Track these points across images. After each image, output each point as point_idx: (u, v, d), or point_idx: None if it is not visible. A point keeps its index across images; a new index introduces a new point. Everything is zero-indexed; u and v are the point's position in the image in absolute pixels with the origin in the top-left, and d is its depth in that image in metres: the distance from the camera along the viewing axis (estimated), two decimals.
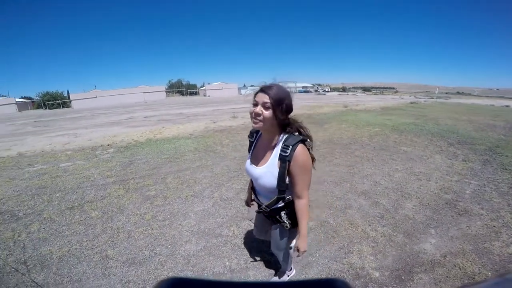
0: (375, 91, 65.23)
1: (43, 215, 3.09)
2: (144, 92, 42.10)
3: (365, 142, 6.00)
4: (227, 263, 2.18)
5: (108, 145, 6.70)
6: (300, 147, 1.21)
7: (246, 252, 2.30)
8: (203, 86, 61.45)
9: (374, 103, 18.97)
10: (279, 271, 1.99)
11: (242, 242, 2.43)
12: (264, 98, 1.17)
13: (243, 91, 56.89)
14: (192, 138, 7.05)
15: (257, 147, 1.42)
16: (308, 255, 2.21)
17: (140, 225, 2.77)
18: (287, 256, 1.75)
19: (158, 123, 10.88)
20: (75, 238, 2.60)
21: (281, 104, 1.17)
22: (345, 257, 2.20)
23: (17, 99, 41.39)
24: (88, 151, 6.21)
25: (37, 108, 39.80)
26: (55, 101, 38.48)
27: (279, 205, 1.40)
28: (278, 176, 1.25)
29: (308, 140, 1.28)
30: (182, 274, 2.05)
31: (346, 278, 2.01)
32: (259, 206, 1.54)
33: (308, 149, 1.27)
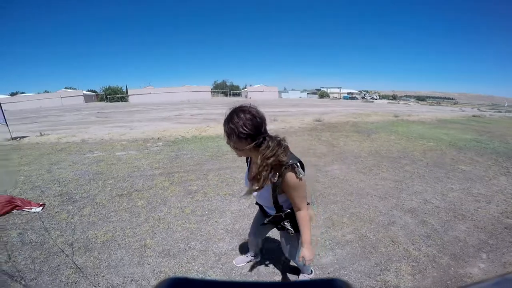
0: (430, 101, 59.53)
1: (95, 200, 3.44)
2: (191, 91, 44.62)
3: (417, 157, 5.53)
4: (258, 266, 2.19)
5: (158, 139, 7.27)
6: (288, 174, 1.21)
7: (276, 256, 2.29)
8: (245, 88, 62.85)
9: (429, 114, 17.35)
10: (300, 274, 2.01)
11: (275, 246, 2.43)
12: (225, 134, 1.19)
13: (283, 95, 56.89)
14: None
15: (251, 168, 1.42)
16: (340, 268, 2.14)
17: (180, 218, 2.92)
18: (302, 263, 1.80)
19: (203, 121, 11.44)
20: (120, 225, 2.83)
21: (231, 137, 1.15)
22: (380, 274, 2.08)
23: (84, 92, 47.22)
24: (140, 142, 6.82)
25: (100, 100, 44.89)
26: (115, 95, 42.99)
27: (272, 213, 1.48)
28: (272, 199, 1.34)
29: (297, 163, 1.23)
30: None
31: None
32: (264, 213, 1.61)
33: (298, 169, 1.23)
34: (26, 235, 2.64)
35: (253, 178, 1.30)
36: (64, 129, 10.64)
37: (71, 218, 2.98)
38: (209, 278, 1.98)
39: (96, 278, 2.04)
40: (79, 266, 2.18)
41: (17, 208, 3.20)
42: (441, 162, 5.18)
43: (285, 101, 36.18)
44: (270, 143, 1.21)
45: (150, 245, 2.45)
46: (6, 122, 8.30)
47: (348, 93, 56.51)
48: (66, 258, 2.28)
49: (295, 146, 6.05)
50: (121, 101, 41.67)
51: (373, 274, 2.09)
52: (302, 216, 1.34)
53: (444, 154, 5.88)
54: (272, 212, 1.48)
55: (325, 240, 2.51)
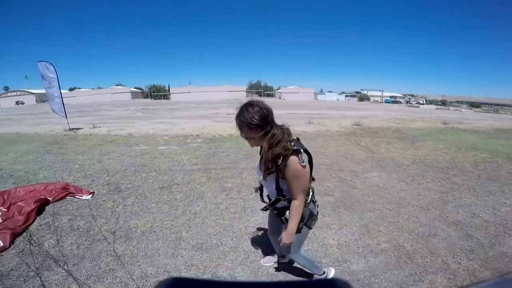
0: (486, 108, 53.34)
1: (139, 191, 3.69)
2: (227, 91, 45.82)
3: (468, 168, 5.00)
4: (287, 267, 2.17)
5: (197, 136, 7.59)
6: (291, 158, 1.30)
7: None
8: (279, 89, 62.63)
9: (484, 123, 15.54)
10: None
11: (304, 249, 2.37)
12: (237, 127, 1.37)
13: (319, 97, 55.40)
14: None
15: (262, 156, 1.50)
16: (371, 276, 2.05)
17: (214, 214, 3.01)
18: (302, 259, 1.82)
19: None
20: (159, 216, 2.98)
21: (242, 128, 1.34)
22: (412, 285, 1.98)
23: (132, 89, 51.21)
24: (181, 138, 7.18)
25: (145, 97, 48.28)
26: (158, 93, 45.93)
27: (282, 205, 1.54)
28: (275, 186, 1.42)
29: (301, 150, 1.33)
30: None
31: None
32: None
33: (301, 156, 1.31)
34: (75, 221, 2.91)
35: (263, 165, 1.43)
36: (113, 122, 11.65)
37: (116, 207, 3.22)
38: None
39: (132, 267, 2.16)
40: (118, 254, 2.32)
41: (70, 194, 3.55)
42: (496, 175, 4.62)
43: (321, 103, 35.27)
44: (275, 130, 1.33)
45: (185, 238, 2.56)
46: (66, 115, 9.33)
47: (391, 97, 53.10)
48: (108, 245, 2.45)
49: (332, 151, 5.86)
50: (164, 98, 44.45)
51: (405, 285, 1.99)
52: (296, 205, 1.41)
53: (499, 167, 5.23)
54: (274, 196, 1.54)
55: (358, 247, 2.42)
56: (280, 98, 50.57)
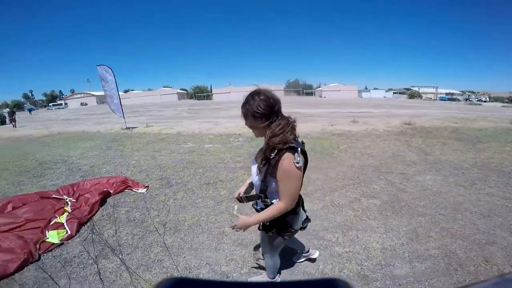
0: None
1: (187, 186, 3.94)
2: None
3: None
4: (320, 266, 2.15)
5: (239, 134, 7.83)
6: (286, 155, 1.21)
7: (342, 261, 2.21)
8: (319, 87, 60.86)
9: None
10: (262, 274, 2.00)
11: (343, 251, 2.32)
12: (242, 116, 1.29)
13: (364, 94, 52.37)
14: (308, 138, 7.17)
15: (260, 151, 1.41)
16: (415, 281, 1.94)
17: (254, 211, 3.08)
18: (269, 261, 1.74)
19: None
20: (205, 211, 3.15)
21: (247, 116, 1.25)
22: None
23: (178, 90, 54.68)
24: (224, 137, 7.48)
25: (190, 98, 51.18)
26: (202, 93, 48.26)
27: (259, 207, 1.46)
28: (261, 182, 1.32)
29: (299, 149, 1.24)
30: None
31: None
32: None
33: (297, 154, 1.22)
34: (132, 212, 3.21)
35: (261, 156, 1.33)
36: (164, 122, 12.62)
37: (167, 201, 3.49)
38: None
39: (178, 258, 2.32)
40: (167, 246, 2.50)
41: (128, 188, 3.95)
42: None
43: (366, 101, 33.35)
44: (280, 121, 1.24)
45: (227, 233, 2.66)
46: (123, 115, 10.38)
47: (447, 94, 47.67)
48: (159, 237, 2.65)
49: (379, 151, 5.54)
50: (206, 99, 46.62)
51: None
52: (278, 205, 1.30)
53: None
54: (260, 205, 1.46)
55: (404, 252, 2.28)
56: (320, 96, 49.21)
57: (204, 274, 2.12)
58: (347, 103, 24.88)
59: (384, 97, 49.49)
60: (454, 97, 45.05)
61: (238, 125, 9.80)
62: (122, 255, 2.39)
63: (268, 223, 1.44)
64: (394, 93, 54.85)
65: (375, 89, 59.76)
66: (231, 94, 43.45)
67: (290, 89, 60.08)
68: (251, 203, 1.55)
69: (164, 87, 62.52)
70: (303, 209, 1.60)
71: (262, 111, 1.22)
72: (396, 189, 3.60)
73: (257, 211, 1.51)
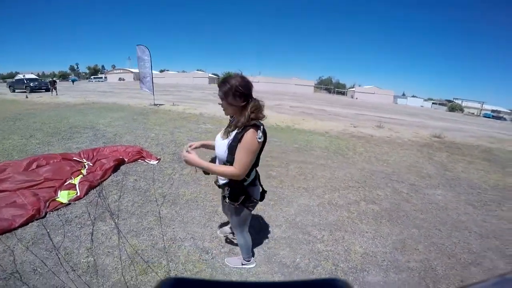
0: None
1: None
2: (295, 84, 45.35)
3: None
4: (297, 260, 2.18)
5: None
6: (251, 130, 1.39)
7: (319, 258, 2.23)
8: (352, 87, 58.52)
9: None
10: (236, 257, 2.10)
11: (324, 249, 2.34)
12: (219, 92, 1.43)
13: (399, 101, 49.34)
14: (326, 136, 7.06)
15: (229, 125, 1.56)
16: None
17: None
18: (240, 239, 1.88)
19: (300, 114, 11.55)
20: (205, 189, 3.28)
21: (228, 94, 1.39)
22: None
23: (209, 74, 55.66)
24: None
25: None
26: None
27: (223, 181, 1.60)
28: (228, 148, 1.46)
29: (262, 125, 1.45)
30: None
31: None
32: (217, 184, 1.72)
33: (260, 132, 1.41)
34: (139, 182, 3.42)
35: (228, 129, 1.53)
36: (189, 102, 13.03)
37: (173, 175, 3.68)
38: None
39: (167, 229, 2.47)
40: (161, 216, 2.66)
41: (141, 158, 4.20)
42: None
43: (400, 108, 31.58)
44: (255, 102, 1.45)
45: (219, 213, 2.76)
46: (153, 92, 10.89)
47: (493, 111, 43.35)
48: (156, 207, 2.83)
49: (396, 160, 5.33)
50: None
51: None
52: (231, 169, 1.44)
53: None
54: (221, 180, 1.62)
55: (383, 260, 2.25)
56: (352, 97, 47.40)
57: (186, 246, 2.25)
58: (379, 107, 23.77)
59: (422, 106, 46.34)
60: (500, 115, 40.78)
61: None
62: (118, 219, 2.56)
63: (233, 196, 1.60)
64: (433, 103, 51.13)
65: (413, 96, 56.11)
66: (260, 83, 43.41)
67: (320, 86, 58.52)
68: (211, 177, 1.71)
69: (197, 70, 64.04)
70: (260, 183, 1.76)
71: (242, 91, 1.39)
72: (401, 198, 3.49)
73: (219, 186, 1.70)
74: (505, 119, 38.33)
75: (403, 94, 63.14)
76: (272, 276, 2.00)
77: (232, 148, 1.44)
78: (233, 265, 2.06)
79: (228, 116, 1.61)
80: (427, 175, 4.59)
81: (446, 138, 8.64)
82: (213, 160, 1.68)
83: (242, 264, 2.04)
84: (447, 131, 10.53)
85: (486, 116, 40.44)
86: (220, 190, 1.73)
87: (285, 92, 33.27)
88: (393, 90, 50.93)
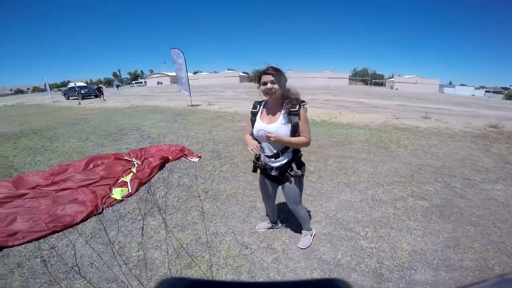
0: None
1: (234, 160, 4.24)
2: (329, 77, 43.81)
3: None
4: (338, 256, 2.13)
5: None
6: (302, 108, 1.72)
7: (362, 255, 2.16)
8: (391, 77, 54.72)
9: None
10: (302, 236, 2.27)
11: (368, 246, 2.26)
12: (270, 77, 1.63)
13: (446, 90, 44.81)
14: (366, 129, 6.76)
15: (264, 113, 1.81)
16: None
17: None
18: (303, 211, 2.15)
19: (336, 108, 11.17)
20: (243, 185, 3.39)
21: (280, 78, 1.65)
22: None
23: (240, 73, 56.43)
24: None
25: (250, 81, 52.25)
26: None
27: (286, 159, 1.83)
28: (291, 127, 1.70)
29: (305, 102, 1.76)
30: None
31: None
32: (267, 169, 1.91)
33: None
34: (183, 178, 3.63)
35: (274, 117, 1.75)
36: (224, 102, 13.41)
37: (214, 171, 3.85)
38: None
39: (209, 223, 2.58)
40: (204, 211, 2.79)
41: (184, 156, 4.47)
42: None
43: (448, 97, 28.78)
44: (293, 88, 1.76)
45: (258, 208, 2.84)
46: (190, 94, 11.40)
47: None
48: (199, 202, 2.98)
49: (446, 152, 4.93)
50: None
51: None
52: (304, 139, 1.74)
53: None
54: (276, 161, 1.84)
55: (434, 258, 2.11)
56: (391, 87, 44.41)
57: (227, 241, 2.34)
58: (423, 98, 21.96)
59: (473, 95, 41.53)
60: None
61: None
62: (165, 214, 2.75)
63: (298, 167, 1.88)
64: (486, 91, 45.60)
65: (462, 85, 50.67)
66: (291, 79, 42.71)
67: (356, 78, 55.76)
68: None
69: (228, 69, 65.27)
70: None
71: (286, 80, 1.72)
72: (454, 194, 3.22)
73: (280, 167, 1.86)
74: None
75: (450, 83, 57.43)
76: (311, 273, 1.98)
77: (296, 126, 1.69)
78: (307, 245, 2.23)
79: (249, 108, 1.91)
80: (483, 168, 4.16)
81: (505, 127, 7.70)
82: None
83: (311, 236, 2.31)
84: (505, 120, 9.37)
85: None
86: (272, 174, 1.89)
87: (317, 87, 32.38)
88: (439, 79, 46.47)
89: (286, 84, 1.71)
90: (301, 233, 2.32)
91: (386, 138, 5.90)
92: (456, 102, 19.69)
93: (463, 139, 6.08)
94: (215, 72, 68.90)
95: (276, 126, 1.71)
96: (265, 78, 1.65)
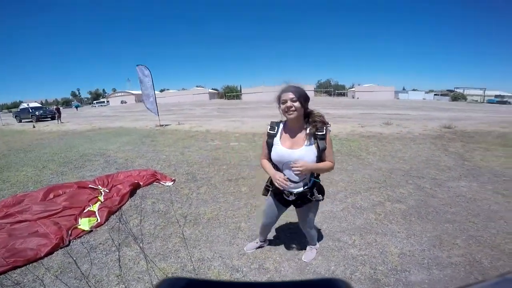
0: None
1: (211, 181, 4.07)
2: None
3: None
4: (332, 267, 2.11)
5: (264, 134, 7.92)
6: (327, 131, 1.63)
7: (355, 263, 2.15)
8: (352, 87, 58.61)
9: None
10: (308, 250, 2.24)
11: (358, 253, 2.26)
12: (290, 95, 1.55)
13: (401, 96, 49.15)
14: (336, 139, 6.99)
15: (284, 136, 1.70)
16: None
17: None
18: (314, 230, 2.15)
19: None
20: (224, 206, 3.24)
21: (302, 96, 1.57)
22: None
23: (209, 90, 56.42)
24: (249, 136, 7.61)
25: (220, 98, 52.50)
26: (232, 93, 49.24)
27: (309, 185, 1.71)
28: (318, 152, 1.59)
29: (329, 124, 1.66)
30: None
31: None
32: (284, 193, 1.77)
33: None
34: (157, 204, 3.39)
35: (296, 140, 1.65)
36: (194, 120, 13.16)
37: (191, 194, 3.65)
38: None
39: (193, 250, 2.41)
40: (185, 237, 2.60)
41: (156, 180, 4.19)
42: None
43: (403, 102, 31.42)
44: (315, 111, 1.68)
45: (243, 229, 2.72)
46: (158, 113, 11.01)
47: (496, 96, 42.86)
48: (179, 228, 2.77)
49: (412, 155, 5.25)
50: (236, 98, 47.50)
51: None
52: (330, 164, 1.66)
53: None
54: (298, 187, 1.71)
55: (423, 258, 2.17)
56: (353, 97, 47.39)
57: (216, 266, 2.19)
58: (382, 105, 23.70)
59: (424, 99, 45.96)
60: (504, 99, 40.17)
61: (264, 124, 9.90)
62: (142, 243, 2.52)
63: (321, 191, 1.81)
64: (435, 94, 50.68)
65: (413, 90, 55.87)
66: (263, 93, 43.70)
67: (320, 89, 58.67)
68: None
69: (197, 86, 64.95)
70: None
71: (309, 99, 1.64)
72: (425, 194, 3.39)
73: (303, 192, 1.74)
74: (510, 103, 37.77)
75: (404, 89, 62.94)
76: None
77: (323, 151, 1.61)
78: (311, 259, 2.19)
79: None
80: (446, 167, 4.48)
81: (457, 127, 8.51)
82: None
83: (316, 250, 2.26)
84: (455, 120, 10.39)
85: (490, 102, 40.01)
86: (290, 199, 1.80)
87: None
88: (394, 86, 50.78)
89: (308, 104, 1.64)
90: (290, 248, 2.27)
91: (356, 146, 6.15)
92: (411, 107, 21.52)
93: (424, 141, 6.57)
94: (183, 89, 67.93)
95: (301, 152, 1.60)
96: (285, 96, 1.56)
